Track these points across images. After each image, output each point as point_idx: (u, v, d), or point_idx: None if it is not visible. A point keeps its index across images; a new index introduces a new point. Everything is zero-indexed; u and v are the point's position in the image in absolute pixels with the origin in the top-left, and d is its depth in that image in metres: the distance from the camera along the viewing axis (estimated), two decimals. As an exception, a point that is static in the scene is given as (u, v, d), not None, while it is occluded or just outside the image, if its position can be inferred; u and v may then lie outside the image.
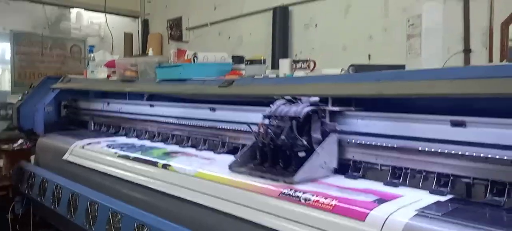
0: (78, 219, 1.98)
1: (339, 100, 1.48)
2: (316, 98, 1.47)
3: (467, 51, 2.54)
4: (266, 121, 1.51)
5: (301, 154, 1.42)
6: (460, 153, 1.29)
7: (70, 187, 2.15)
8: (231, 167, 1.55)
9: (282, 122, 1.46)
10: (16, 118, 3.16)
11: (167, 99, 2.53)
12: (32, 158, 2.90)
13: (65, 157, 2.44)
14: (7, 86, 4.46)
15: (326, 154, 1.45)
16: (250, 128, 1.59)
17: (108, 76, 2.95)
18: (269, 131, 1.47)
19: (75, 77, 3.09)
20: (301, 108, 1.44)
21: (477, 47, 2.54)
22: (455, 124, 1.33)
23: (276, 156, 1.48)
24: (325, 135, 1.47)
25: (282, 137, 1.42)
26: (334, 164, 1.48)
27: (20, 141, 3.06)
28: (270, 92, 1.56)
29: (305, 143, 1.43)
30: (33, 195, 2.52)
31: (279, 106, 1.50)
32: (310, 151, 1.43)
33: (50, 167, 2.61)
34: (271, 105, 1.53)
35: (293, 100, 1.51)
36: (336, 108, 1.48)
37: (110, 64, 2.88)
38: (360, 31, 3.13)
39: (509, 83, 1.16)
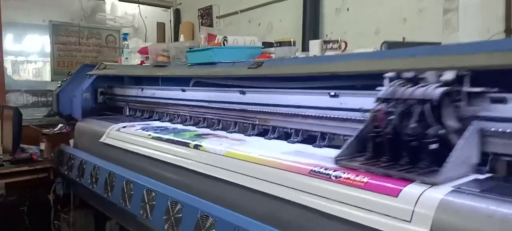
0: (115, 198, 2.06)
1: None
2: (450, 75, 1.18)
3: (508, 31, 2.42)
4: (383, 105, 1.26)
5: (434, 146, 1.17)
6: (500, 130, 1.24)
7: (107, 167, 2.24)
8: (338, 162, 1.32)
9: (403, 107, 1.22)
10: (56, 103, 3.30)
11: (199, 84, 2.57)
12: (71, 141, 3.03)
13: (101, 139, 2.53)
14: (47, 77, 4.68)
15: (468, 147, 1.17)
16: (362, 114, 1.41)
17: (142, 62, 3.03)
18: (390, 117, 1.22)
19: (110, 64, 3.19)
20: (433, 89, 1.19)
21: (520, 27, 2.40)
22: (494, 101, 1.27)
23: (397, 148, 1.23)
24: (462, 122, 1.21)
25: (412, 124, 1.16)
26: (475, 159, 1.20)
27: (60, 125, 3.20)
28: (300, 72, 1.54)
29: (443, 132, 1.16)
30: (73, 176, 2.64)
31: (398, 88, 1.25)
32: (443, 143, 1.18)
33: (87, 149, 2.72)
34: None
35: (412, 79, 1.26)
36: (477, 90, 1.20)
37: (143, 51, 2.95)
38: (393, 14, 3.04)
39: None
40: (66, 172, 2.76)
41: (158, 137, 2.13)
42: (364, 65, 1.36)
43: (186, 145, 1.91)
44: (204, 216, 1.49)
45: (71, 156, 2.73)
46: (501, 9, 2.46)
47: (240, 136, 2.09)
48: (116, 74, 3.03)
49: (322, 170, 1.33)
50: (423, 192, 1.07)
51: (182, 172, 1.82)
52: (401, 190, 1.11)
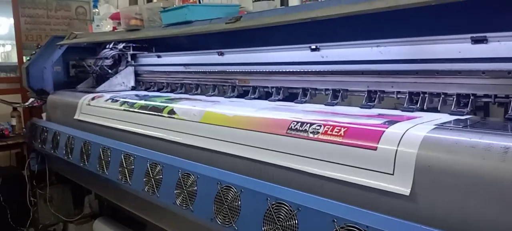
0: (92, 166, 1.99)
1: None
2: (122, 46, 2.69)
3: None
4: (95, 61, 2.75)
5: (111, 77, 2.64)
6: (481, 70, 1.23)
7: (82, 136, 2.15)
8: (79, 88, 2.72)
9: (102, 59, 2.70)
10: (26, 78, 3.15)
11: (176, 48, 2.48)
12: (44, 115, 2.91)
13: (75, 117, 2.41)
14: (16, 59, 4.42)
15: (123, 77, 2.67)
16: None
17: (114, 28, 2.90)
18: (96, 66, 2.73)
19: (80, 33, 3.04)
20: (111, 52, 2.69)
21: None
22: (476, 41, 1.26)
23: (100, 80, 2.67)
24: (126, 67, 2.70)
25: (96, 68, 2.71)
26: (131, 84, 2.71)
27: (31, 99, 3.06)
28: (279, 21, 1.49)
29: (110, 71, 2.69)
30: (47, 149, 2.54)
31: (105, 52, 2.72)
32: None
33: (61, 123, 2.60)
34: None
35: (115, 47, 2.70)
36: (133, 52, 2.74)
37: (115, 17, 2.82)
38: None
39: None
40: (40, 146, 2.65)
41: (130, 106, 2.04)
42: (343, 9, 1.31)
43: (160, 111, 1.84)
44: (186, 174, 1.45)
45: (44, 129, 2.62)
46: None
47: (217, 98, 2.04)
48: (87, 41, 2.90)
49: (298, 126, 1.28)
50: (406, 131, 1.05)
51: (158, 142, 1.76)
52: (383, 132, 1.09)
